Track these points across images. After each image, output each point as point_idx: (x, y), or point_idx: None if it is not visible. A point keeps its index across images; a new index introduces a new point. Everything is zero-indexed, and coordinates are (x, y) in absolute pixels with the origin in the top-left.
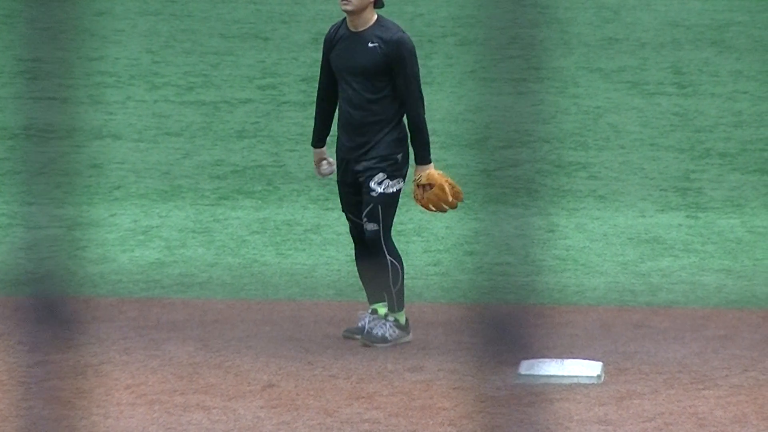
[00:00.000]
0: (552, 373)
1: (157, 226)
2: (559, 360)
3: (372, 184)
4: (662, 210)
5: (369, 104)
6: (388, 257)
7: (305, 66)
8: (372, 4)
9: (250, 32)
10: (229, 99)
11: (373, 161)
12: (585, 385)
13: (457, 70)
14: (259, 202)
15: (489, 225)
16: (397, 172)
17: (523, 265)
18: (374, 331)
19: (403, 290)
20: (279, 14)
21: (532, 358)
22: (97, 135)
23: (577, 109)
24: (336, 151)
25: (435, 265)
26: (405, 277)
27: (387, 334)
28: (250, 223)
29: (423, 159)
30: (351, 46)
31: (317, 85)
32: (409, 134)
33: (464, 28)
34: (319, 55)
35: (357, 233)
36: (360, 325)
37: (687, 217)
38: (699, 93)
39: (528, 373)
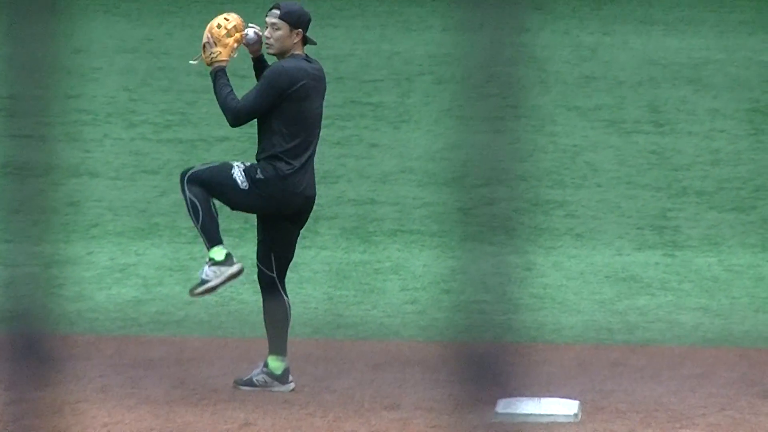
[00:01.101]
0: (529, 412)
1: (134, 264)
2: (536, 398)
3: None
4: (639, 248)
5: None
6: (187, 193)
7: None
8: (298, 44)
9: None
10: (206, 137)
11: None
12: (562, 424)
13: (434, 108)
14: (237, 239)
15: (466, 263)
16: (250, 171)
17: (500, 303)
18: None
19: (209, 227)
20: None
21: (510, 396)
22: (74, 173)
23: (554, 147)
24: None
25: (412, 303)
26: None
27: (203, 275)
28: None
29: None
30: None
31: None
32: (282, 163)
33: (441, 67)
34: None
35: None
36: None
37: (664, 255)
38: (676, 131)
39: (505, 411)
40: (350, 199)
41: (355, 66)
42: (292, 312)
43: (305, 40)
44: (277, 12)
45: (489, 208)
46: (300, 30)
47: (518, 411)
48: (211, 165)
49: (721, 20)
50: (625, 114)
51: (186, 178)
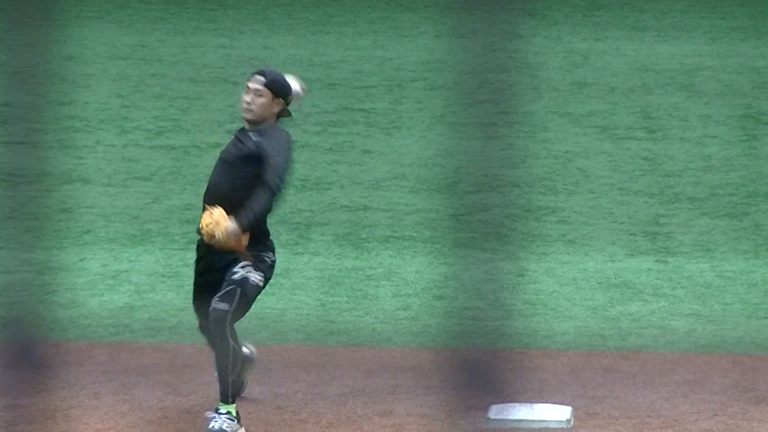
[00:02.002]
0: (522, 418)
1: (126, 271)
2: (528, 404)
3: (236, 267)
4: (632, 254)
5: None
6: (230, 340)
7: None
8: (275, 116)
9: (220, 77)
10: (199, 143)
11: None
12: (554, 430)
13: (426, 114)
14: None
15: (458, 269)
16: (261, 265)
17: (493, 310)
18: (210, 426)
19: (238, 381)
20: (248, 58)
21: (502, 402)
22: (66, 179)
23: (546, 153)
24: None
25: (404, 309)
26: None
27: (225, 426)
28: None
29: (240, 219)
30: (233, 141)
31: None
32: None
33: (434, 73)
34: None
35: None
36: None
37: (656, 261)
38: (668, 137)
39: (498, 417)
40: (342, 206)
41: (347, 72)
42: (284, 318)
43: (281, 113)
44: (262, 79)
45: (481, 214)
46: (281, 100)
47: (511, 417)
48: (238, 298)
49: (713, 26)
50: (618, 120)
51: (228, 323)
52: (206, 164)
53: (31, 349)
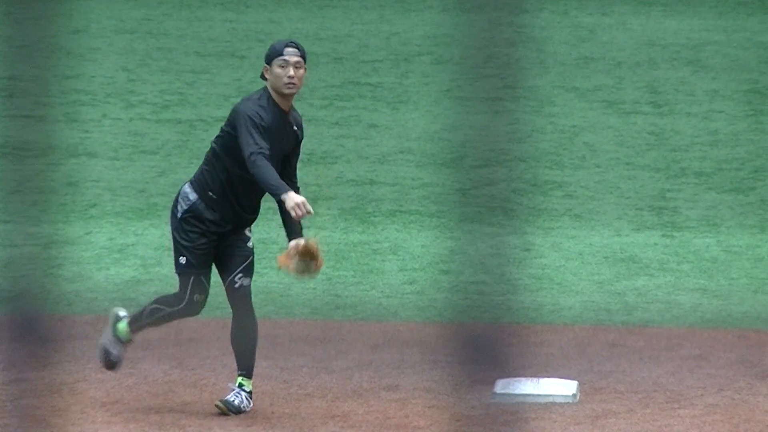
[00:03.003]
0: (527, 392)
1: (132, 244)
2: (534, 379)
3: (248, 232)
4: (638, 229)
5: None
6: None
7: None
8: None
9: (226, 50)
10: (205, 117)
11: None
12: (560, 404)
13: (432, 89)
14: None
15: (465, 244)
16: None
17: (499, 284)
18: (232, 399)
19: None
20: (255, 33)
21: (508, 377)
22: (72, 153)
23: (552, 128)
24: (226, 218)
25: (410, 283)
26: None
27: (243, 406)
28: None
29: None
30: (283, 129)
31: (264, 150)
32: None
33: (440, 47)
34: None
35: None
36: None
37: (663, 236)
38: (675, 112)
39: (503, 392)
40: (349, 180)
41: (353, 46)
42: (291, 292)
43: None
44: (298, 51)
45: (487, 188)
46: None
47: (516, 391)
48: (251, 263)
49: (720, 1)
50: (624, 95)
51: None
52: (211, 136)
53: (38, 323)
